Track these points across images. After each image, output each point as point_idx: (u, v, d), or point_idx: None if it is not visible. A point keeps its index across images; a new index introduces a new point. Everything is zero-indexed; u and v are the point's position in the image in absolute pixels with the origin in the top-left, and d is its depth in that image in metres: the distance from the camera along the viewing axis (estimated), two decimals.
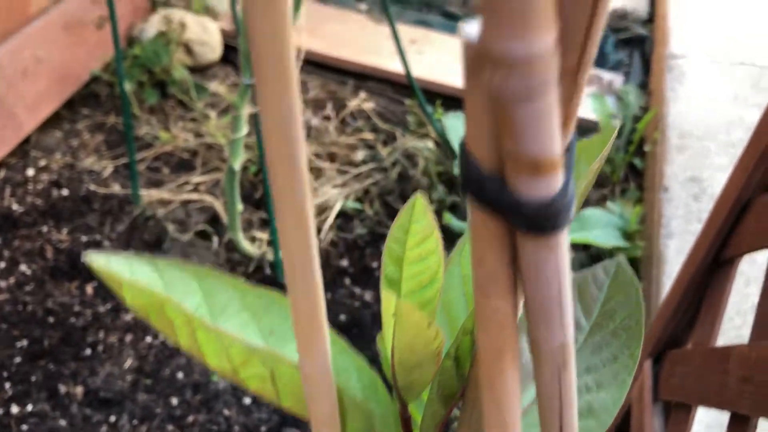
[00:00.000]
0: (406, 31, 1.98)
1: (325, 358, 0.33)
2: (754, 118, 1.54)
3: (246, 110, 1.22)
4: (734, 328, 1.16)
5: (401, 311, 0.32)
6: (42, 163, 1.54)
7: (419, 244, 0.39)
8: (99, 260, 0.34)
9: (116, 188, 1.51)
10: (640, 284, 0.44)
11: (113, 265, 0.35)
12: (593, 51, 0.21)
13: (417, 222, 0.38)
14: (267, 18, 0.22)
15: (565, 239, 0.25)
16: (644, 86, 1.90)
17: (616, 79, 1.90)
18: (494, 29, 0.18)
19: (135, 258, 0.36)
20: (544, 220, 0.23)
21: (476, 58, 0.22)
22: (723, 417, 0.70)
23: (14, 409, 1.14)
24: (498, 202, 0.24)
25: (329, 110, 1.77)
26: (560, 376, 0.31)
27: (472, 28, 0.21)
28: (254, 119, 1.33)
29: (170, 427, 1.13)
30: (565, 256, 0.26)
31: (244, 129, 1.24)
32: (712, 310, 0.81)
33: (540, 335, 0.29)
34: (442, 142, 1.64)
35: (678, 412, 0.79)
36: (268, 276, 1.38)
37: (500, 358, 0.29)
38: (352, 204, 1.56)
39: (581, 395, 0.44)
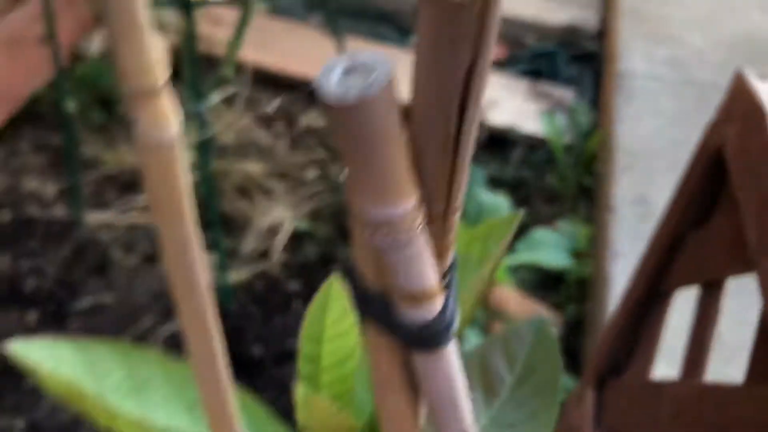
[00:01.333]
0: (360, 45, 1.97)
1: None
2: (698, 137, 1.57)
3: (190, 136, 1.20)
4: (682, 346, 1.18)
5: (316, 406, 0.32)
6: None
7: (337, 322, 0.38)
8: (19, 350, 0.34)
9: (60, 212, 1.47)
10: (559, 350, 0.44)
11: (33, 354, 0.34)
12: (459, 198, 0.21)
13: (335, 301, 0.38)
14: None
15: (452, 351, 0.25)
16: (596, 102, 1.93)
17: (566, 95, 1.92)
18: (358, 198, 0.19)
19: (56, 342, 0.36)
20: (425, 339, 0.23)
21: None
22: None
23: None
24: (384, 320, 0.24)
25: (280, 127, 1.76)
26: None
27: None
28: (200, 145, 1.31)
29: None
30: (454, 364, 0.26)
31: (186, 156, 1.22)
32: (648, 341, 0.82)
33: (442, 424, 0.29)
34: None
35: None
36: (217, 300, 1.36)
37: None
38: (303, 224, 1.54)
39: None
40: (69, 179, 1.54)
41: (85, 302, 1.32)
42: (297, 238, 1.53)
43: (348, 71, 0.19)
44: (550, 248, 1.38)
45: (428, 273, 0.21)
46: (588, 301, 1.35)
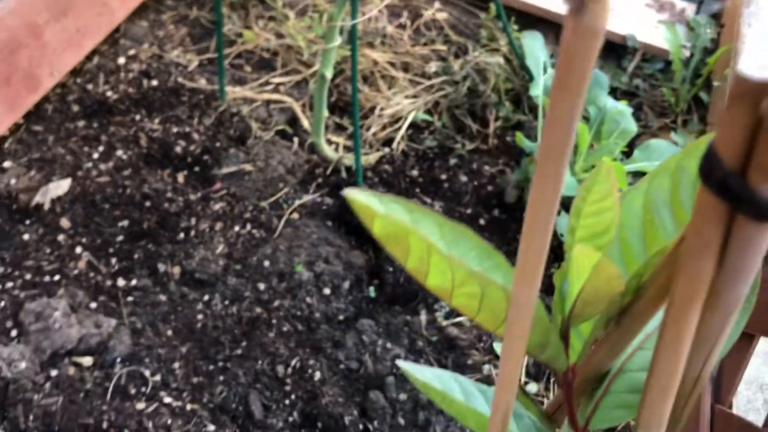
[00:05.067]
0: None
1: (536, 290, 0.42)
2: None
3: (340, 21, 1.26)
4: None
5: (600, 265, 0.41)
6: (131, 52, 1.61)
7: (597, 202, 0.46)
8: (356, 195, 0.43)
9: (202, 82, 1.58)
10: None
11: (366, 199, 0.43)
12: None
13: (599, 184, 0.46)
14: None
15: None
16: (716, 17, 1.91)
17: (688, 7, 1.90)
18: None
19: (381, 194, 0.44)
20: None
21: (746, 90, 0.30)
22: None
23: (121, 282, 1.26)
24: (736, 194, 0.32)
25: (404, 18, 1.80)
26: (726, 320, 0.40)
27: (748, 68, 0.29)
28: (346, 31, 1.37)
29: (258, 309, 1.26)
30: None
31: (338, 39, 1.29)
32: None
33: (727, 288, 0.38)
34: (518, 60, 1.68)
35: (740, 340, 0.89)
36: (344, 179, 1.47)
37: (691, 303, 0.38)
38: (422, 115, 1.62)
39: None
40: (210, 52, 1.63)
41: (227, 168, 1.45)
42: (416, 128, 1.61)
43: None
44: (665, 156, 1.43)
45: None
46: None
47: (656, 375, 0.42)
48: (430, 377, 0.58)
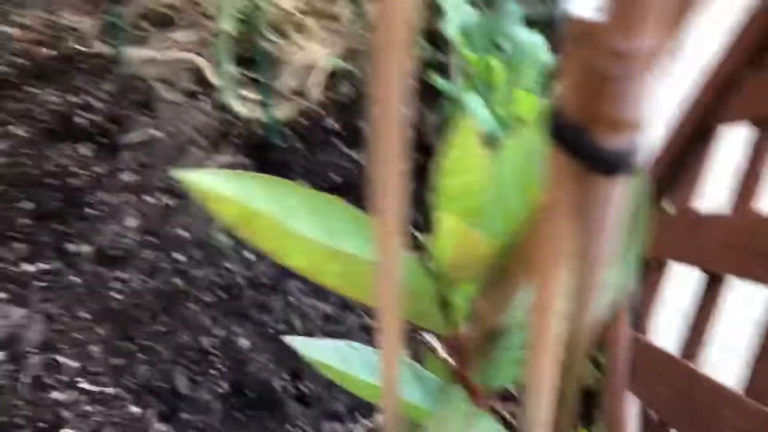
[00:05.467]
0: None
1: (398, 255, 0.39)
2: None
3: None
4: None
5: (465, 233, 0.38)
6: (19, 20, 1.50)
7: (459, 160, 0.43)
8: (191, 176, 0.38)
9: (100, 46, 1.49)
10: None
11: (205, 180, 0.39)
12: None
13: (460, 139, 0.42)
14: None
15: (625, 182, 0.30)
16: None
17: None
18: (611, 26, 0.23)
19: (234, 173, 0.40)
20: (616, 165, 0.28)
21: (580, 33, 0.26)
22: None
23: (29, 267, 1.19)
24: (580, 148, 0.29)
25: None
26: (593, 273, 0.38)
27: (576, 6, 0.26)
28: None
29: (177, 281, 1.21)
30: (623, 195, 0.31)
31: None
32: (694, 172, 0.88)
33: (587, 243, 0.35)
34: None
35: (652, 268, 0.89)
36: (260, 136, 1.41)
37: (553, 259, 0.35)
38: (337, 62, 1.56)
39: None
40: (107, 14, 1.53)
41: (134, 136, 1.37)
42: (332, 76, 1.55)
43: None
44: None
45: (641, 105, 0.26)
46: None
47: (533, 331, 0.40)
48: (328, 351, 0.55)
